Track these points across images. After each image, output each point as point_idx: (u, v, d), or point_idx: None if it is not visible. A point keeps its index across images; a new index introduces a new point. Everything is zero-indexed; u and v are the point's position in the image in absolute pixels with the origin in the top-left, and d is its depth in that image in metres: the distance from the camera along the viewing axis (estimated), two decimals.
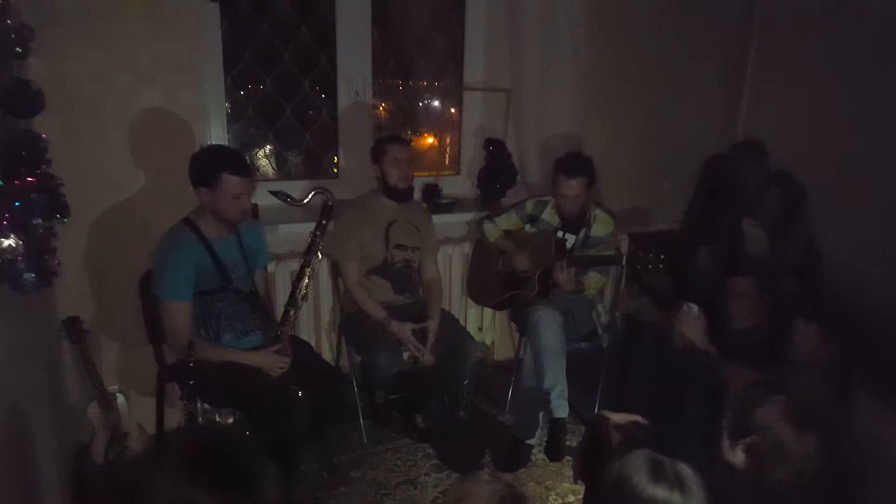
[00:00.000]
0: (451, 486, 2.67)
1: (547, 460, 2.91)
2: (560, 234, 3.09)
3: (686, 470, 1.31)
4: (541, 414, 2.92)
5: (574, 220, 3.06)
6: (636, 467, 1.30)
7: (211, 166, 2.31)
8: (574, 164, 2.96)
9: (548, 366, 2.81)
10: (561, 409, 2.83)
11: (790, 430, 1.45)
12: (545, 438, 2.94)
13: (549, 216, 3.10)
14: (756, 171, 3.19)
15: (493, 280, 3.23)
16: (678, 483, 1.28)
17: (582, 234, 3.06)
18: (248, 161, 3.27)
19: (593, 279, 3.05)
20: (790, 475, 1.43)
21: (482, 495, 1.30)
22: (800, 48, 3.55)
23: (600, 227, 3.07)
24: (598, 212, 3.08)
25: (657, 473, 1.29)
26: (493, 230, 3.21)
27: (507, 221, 3.20)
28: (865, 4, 3.21)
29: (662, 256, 2.69)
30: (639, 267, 2.75)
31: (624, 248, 3.57)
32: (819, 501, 1.46)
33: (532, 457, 2.93)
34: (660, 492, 1.27)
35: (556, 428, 2.88)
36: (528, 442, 2.92)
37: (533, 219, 3.14)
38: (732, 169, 3.25)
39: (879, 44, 3.14)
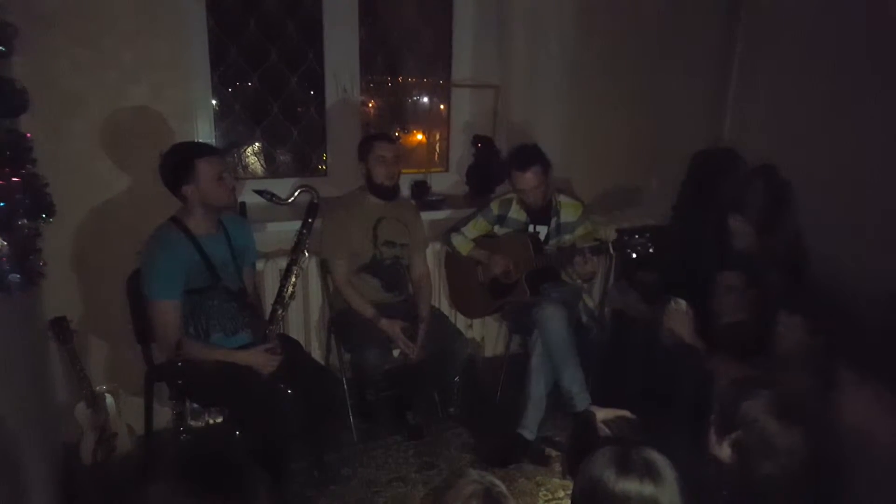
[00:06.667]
0: (440, 482, 2.67)
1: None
2: (531, 227, 3.09)
3: (655, 455, 1.29)
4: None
5: (541, 211, 3.06)
6: (602, 464, 1.29)
7: (183, 161, 2.33)
8: (524, 156, 2.96)
9: (564, 363, 2.78)
10: (584, 401, 2.76)
11: (776, 424, 1.46)
12: (567, 435, 2.93)
13: (515, 213, 3.10)
14: (740, 168, 3.21)
15: (478, 291, 3.22)
16: (648, 471, 1.26)
17: (553, 223, 3.07)
18: (237, 158, 3.29)
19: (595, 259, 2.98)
20: (777, 469, 1.45)
21: (459, 492, 1.29)
22: (786, 44, 3.58)
23: (568, 212, 3.07)
24: (562, 198, 3.09)
25: (624, 466, 1.27)
26: (463, 243, 3.19)
27: (476, 228, 3.18)
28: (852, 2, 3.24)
29: (648, 234, 2.68)
30: (627, 250, 2.73)
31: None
32: (806, 495, 1.47)
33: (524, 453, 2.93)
34: (630, 485, 1.25)
35: (582, 422, 2.83)
36: (526, 437, 2.88)
37: (501, 219, 3.13)
38: (718, 165, 3.27)
39: (866, 40, 3.16)
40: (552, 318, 2.81)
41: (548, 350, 2.83)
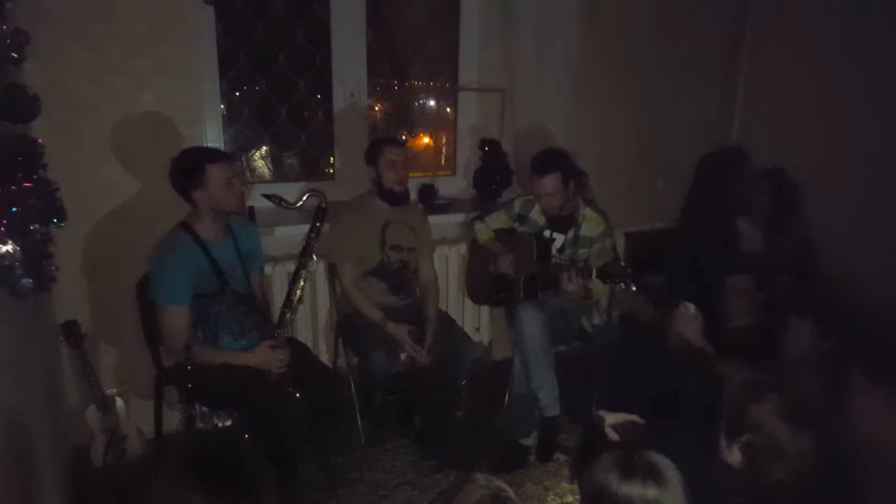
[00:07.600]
0: (448, 486, 2.67)
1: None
2: (548, 233, 3.05)
3: (658, 458, 1.30)
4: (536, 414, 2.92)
5: (562, 219, 2.99)
6: (606, 469, 1.29)
7: (192, 166, 2.34)
8: (543, 161, 2.88)
9: (534, 366, 2.80)
10: (551, 409, 2.82)
11: (785, 428, 1.46)
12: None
13: (536, 215, 3.06)
14: (748, 170, 3.21)
15: (487, 280, 3.23)
16: (651, 475, 1.27)
17: (571, 233, 3.00)
18: (245, 163, 3.30)
19: (599, 285, 2.89)
20: (786, 474, 1.44)
21: (467, 497, 1.30)
22: (793, 45, 3.57)
23: (590, 226, 2.98)
24: (587, 210, 2.99)
25: (627, 470, 1.28)
26: (483, 231, 3.18)
27: (497, 221, 3.17)
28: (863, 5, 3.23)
29: (629, 271, 2.63)
30: (607, 281, 2.70)
31: (620, 247, 3.58)
32: (816, 499, 1.47)
33: (530, 457, 2.93)
34: (633, 489, 1.26)
35: (547, 427, 2.88)
36: (523, 443, 2.92)
37: (521, 218, 3.11)
38: (726, 167, 3.26)
39: (872, 40, 3.16)
40: (526, 320, 2.81)
41: (521, 352, 2.85)
